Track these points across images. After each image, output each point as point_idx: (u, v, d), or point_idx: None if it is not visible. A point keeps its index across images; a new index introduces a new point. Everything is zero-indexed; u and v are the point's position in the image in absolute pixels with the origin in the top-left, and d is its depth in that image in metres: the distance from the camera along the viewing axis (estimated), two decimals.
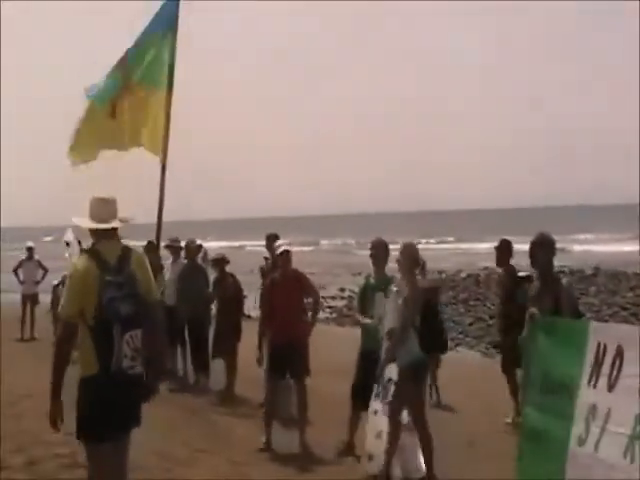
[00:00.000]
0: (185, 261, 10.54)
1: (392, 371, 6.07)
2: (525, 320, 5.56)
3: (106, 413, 4.14)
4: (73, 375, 4.21)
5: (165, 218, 7.04)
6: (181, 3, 7.23)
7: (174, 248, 10.83)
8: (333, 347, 11.22)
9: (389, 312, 6.11)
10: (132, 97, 7.24)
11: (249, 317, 10.84)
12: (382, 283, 6.66)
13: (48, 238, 56.55)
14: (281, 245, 7.47)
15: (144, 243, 9.32)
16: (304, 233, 64.81)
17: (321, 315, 17.58)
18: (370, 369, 6.32)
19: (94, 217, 4.38)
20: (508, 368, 7.90)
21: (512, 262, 8.20)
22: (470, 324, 16.70)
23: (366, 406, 6.43)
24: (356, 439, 6.80)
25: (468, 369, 11.16)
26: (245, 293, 10.10)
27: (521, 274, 7.85)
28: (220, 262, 9.75)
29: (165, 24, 7.22)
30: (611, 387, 4.37)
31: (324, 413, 7.73)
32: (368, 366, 6.42)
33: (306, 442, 7.06)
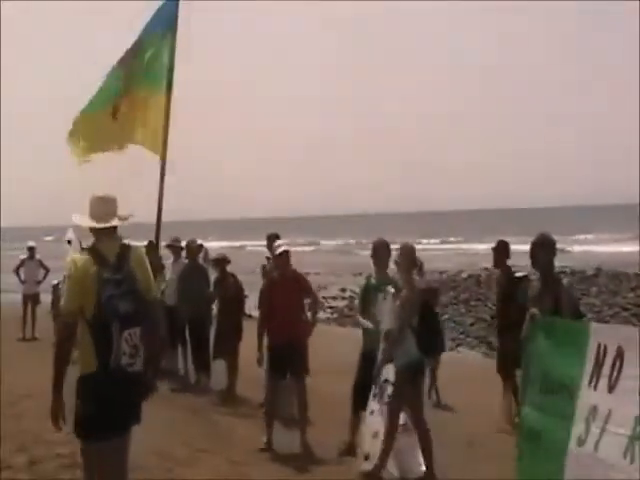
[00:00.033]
0: (186, 261, 10.55)
1: (389, 372, 6.08)
2: (523, 321, 5.57)
3: (105, 410, 4.15)
4: (74, 375, 4.22)
5: (166, 218, 7.04)
6: (181, 3, 7.25)
7: (175, 248, 10.84)
8: (334, 347, 11.23)
9: (386, 313, 6.13)
10: (132, 97, 7.24)
11: (250, 317, 10.83)
12: (383, 283, 6.65)
13: (49, 238, 56.61)
14: (280, 245, 7.47)
15: (145, 243, 9.32)
16: (304, 233, 64.89)
17: (322, 315, 17.65)
18: (371, 369, 6.32)
19: (94, 216, 4.41)
20: (503, 369, 7.99)
21: (510, 263, 8.27)
22: (471, 324, 16.73)
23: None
24: (358, 439, 6.80)
25: (469, 369, 11.17)
26: (246, 293, 10.09)
27: (518, 274, 7.97)
28: (221, 262, 9.75)
29: (164, 24, 7.22)
30: (611, 388, 4.37)
31: (325, 413, 7.73)
32: (369, 366, 6.41)
33: (307, 442, 7.06)
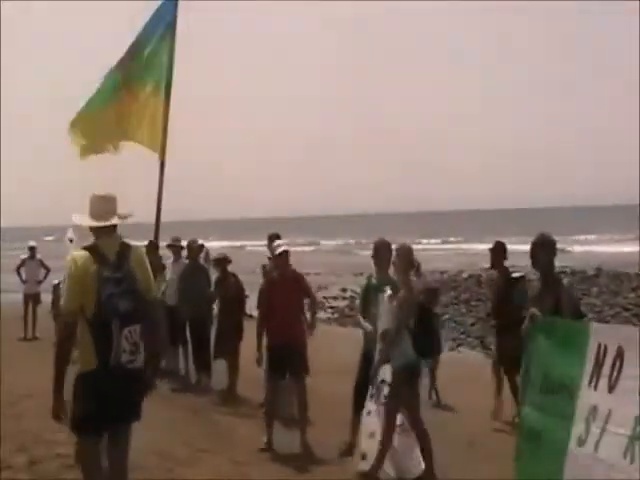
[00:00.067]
0: (186, 261, 10.55)
1: (386, 372, 6.08)
2: (521, 321, 5.58)
3: (104, 407, 4.17)
4: (74, 375, 4.23)
5: (166, 218, 7.05)
6: (180, 3, 7.26)
7: (175, 248, 10.85)
8: (334, 347, 11.23)
9: (383, 313, 6.13)
10: (132, 97, 7.25)
11: (251, 317, 10.81)
12: (384, 284, 6.64)
13: (49, 238, 56.62)
14: (280, 245, 7.47)
15: (145, 242, 9.32)
16: (304, 233, 64.87)
17: (323, 315, 17.62)
18: None
19: (94, 214, 4.43)
20: (498, 369, 8.14)
21: (510, 263, 8.36)
22: (472, 324, 16.71)
23: None
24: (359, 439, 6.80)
25: (469, 369, 11.15)
26: (247, 293, 10.09)
27: (515, 275, 8.08)
28: (222, 262, 9.75)
29: (164, 24, 7.24)
30: (611, 388, 4.37)
31: (325, 413, 7.73)
32: (370, 367, 6.41)
33: (307, 442, 7.06)
